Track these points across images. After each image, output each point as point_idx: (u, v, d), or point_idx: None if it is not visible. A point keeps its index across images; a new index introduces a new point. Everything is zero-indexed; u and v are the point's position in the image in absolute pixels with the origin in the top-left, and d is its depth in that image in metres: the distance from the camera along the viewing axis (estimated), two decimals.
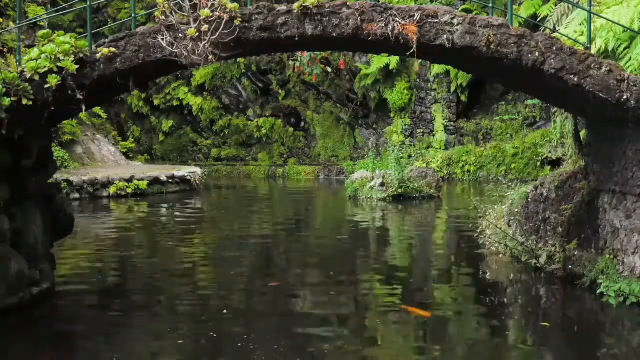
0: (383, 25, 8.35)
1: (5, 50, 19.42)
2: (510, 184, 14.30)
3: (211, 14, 8.10)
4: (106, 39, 8.64)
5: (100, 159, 28.85)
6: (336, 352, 7.64)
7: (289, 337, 8.20)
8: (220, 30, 8.11)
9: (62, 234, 10.69)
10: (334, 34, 8.38)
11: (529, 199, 12.13)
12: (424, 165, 28.01)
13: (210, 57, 8.16)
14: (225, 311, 9.28)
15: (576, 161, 12.62)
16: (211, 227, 18.13)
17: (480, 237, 13.27)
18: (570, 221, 10.68)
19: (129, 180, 24.48)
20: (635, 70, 9.68)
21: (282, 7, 8.38)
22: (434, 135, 31.68)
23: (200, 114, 36.79)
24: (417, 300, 9.90)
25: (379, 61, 30.89)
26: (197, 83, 36.40)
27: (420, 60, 27.64)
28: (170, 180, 25.90)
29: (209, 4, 8.14)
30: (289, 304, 9.86)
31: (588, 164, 10.63)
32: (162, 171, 26.54)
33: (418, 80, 31.80)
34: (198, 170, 28.00)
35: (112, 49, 8.38)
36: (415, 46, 8.37)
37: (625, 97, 8.43)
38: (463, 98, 31.57)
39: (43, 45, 8.37)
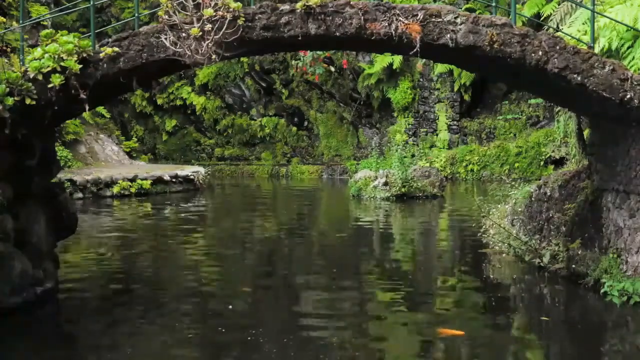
0: (386, 24, 8.35)
1: (9, 49, 19.46)
2: (513, 183, 14.29)
3: (214, 14, 8.10)
4: (109, 38, 8.65)
5: (103, 158, 28.89)
6: (342, 345, 7.69)
7: (295, 332, 8.24)
8: (223, 29, 8.11)
9: (66, 234, 10.70)
10: (337, 34, 8.39)
11: (533, 198, 12.11)
12: (427, 164, 27.98)
13: (214, 56, 8.17)
14: (230, 307, 9.31)
15: (579, 160, 12.62)
16: (215, 226, 18.14)
17: (483, 236, 13.26)
18: (574, 220, 10.67)
19: (133, 180, 24.52)
20: (639, 69, 9.67)
21: (285, 7, 8.38)
22: (437, 135, 31.66)
23: (203, 113, 36.82)
24: (419, 299, 9.92)
25: (382, 60, 30.89)
26: (200, 82, 36.43)
27: (423, 60, 27.63)
28: (174, 180, 25.92)
29: (212, 4, 8.14)
30: (293, 301, 9.88)
31: (591, 163, 10.61)
32: (166, 170, 26.58)
33: (421, 79, 31.79)
34: (201, 169, 28.03)
35: (116, 49, 8.39)
36: (418, 45, 8.37)
37: (628, 96, 8.42)
38: (466, 97, 31.55)
39: (46, 45, 8.38)
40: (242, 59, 34.12)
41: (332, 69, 31.82)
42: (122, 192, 24.01)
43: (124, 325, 8.66)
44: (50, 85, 8.16)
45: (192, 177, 26.62)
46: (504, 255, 12.34)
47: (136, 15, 9.54)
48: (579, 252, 10.21)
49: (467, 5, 28.62)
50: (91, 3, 9.08)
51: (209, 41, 8.11)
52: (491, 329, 8.59)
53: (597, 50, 9.83)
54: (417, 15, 8.39)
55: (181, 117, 37.69)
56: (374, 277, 11.55)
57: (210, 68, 34.94)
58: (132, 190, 24.28)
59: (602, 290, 9.20)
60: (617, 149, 9.50)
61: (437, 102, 31.67)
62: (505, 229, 12.65)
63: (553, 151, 27.76)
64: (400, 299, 10.06)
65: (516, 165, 28.79)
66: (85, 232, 15.67)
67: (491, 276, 11.39)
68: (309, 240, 15.85)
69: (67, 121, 23.11)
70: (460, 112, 31.62)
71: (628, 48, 10.20)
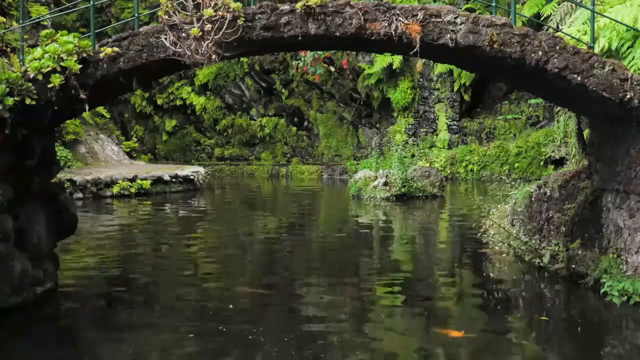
0: (386, 24, 8.35)
1: (9, 49, 19.45)
2: (513, 183, 14.29)
3: (214, 14, 8.10)
4: (109, 38, 8.65)
5: (103, 158, 28.89)
6: (342, 345, 7.70)
7: (296, 331, 8.26)
8: (223, 29, 8.11)
9: (66, 234, 10.70)
10: (337, 34, 8.39)
11: (533, 198, 12.11)
12: (427, 164, 28.01)
13: (214, 56, 8.17)
14: (231, 306, 9.32)
15: (579, 160, 12.61)
16: (215, 226, 18.14)
17: (483, 236, 13.26)
18: (574, 220, 10.67)
19: (132, 180, 24.52)
20: (639, 69, 9.67)
21: (285, 7, 8.38)
22: (437, 135, 31.66)
23: (203, 113, 36.82)
24: (419, 299, 9.93)
25: (382, 60, 30.89)
26: (200, 82, 36.44)
27: (423, 60, 27.63)
28: (174, 180, 25.93)
29: (212, 4, 8.14)
30: (293, 300, 9.88)
31: (591, 163, 10.61)
32: (166, 171, 26.58)
33: (421, 79, 31.79)
34: (201, 169, 28.03)
35: (115, 49, 8.39)
36: (418, 45, 8.37)
37: (628, 96, 8.42)
38: (466, 97, 31.55)
39: (46, 45, 8.38)
40: (242, 59, 34.12)
41: (332, 69, 31.82)
42: (122, 192, 24.01)
43: (125, 325, 8.65)
44: (50, 85, 8.16)
45: (192, 177, 26.62)
46: (504, 255, 12.34)
47: (136, 15, 9.53)
48: (579, 252, 10.21)
49: (467, 5, 28.63)
50: (91, 3, 9.08)
51: (209, 41, 8.11)
52: (491, 329, 8.59)
53: (597, 50, 9.84)
54: (417, 15, 8.39)
55: (181, 117, 37.70)
56: (373, 277, 11.54)
57: (210, 68, 34.94)
58: (132, 190, 24.29)
59: (602, 290, 9.20)
60: (617, 149, 9.50)
61: (437, 102, 31.69)
62: (505, 229, 12.66)
63: (553, 151, 27.76)
64: (400, 299, 10.06)
65: (516, 165, 28.79)
66: (85, 232, 15.67)
67: (491, 276, 11.40)
68: (309, 240, 15.85)
69: (67, 121, 23.09)
70: (460, 112, 31.63)
71: (628, 48, 10.20)
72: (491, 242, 12.99)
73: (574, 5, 16.69)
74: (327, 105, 35.09)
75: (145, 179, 24.90)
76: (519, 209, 12.64)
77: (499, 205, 14.34)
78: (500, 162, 29.23)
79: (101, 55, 8.39)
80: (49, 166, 9.86)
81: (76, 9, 26.29)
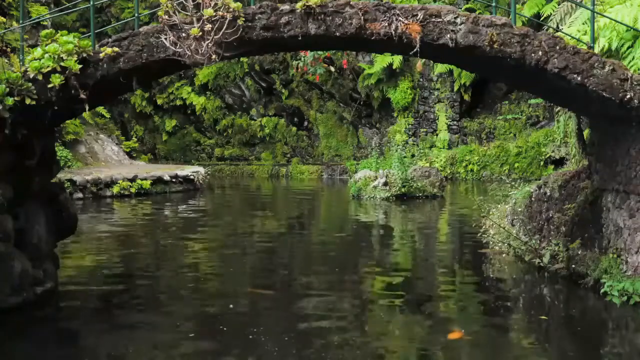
0: (386, 24, 8.35)
1: (9, 49, 19.45)
2: (513, 183, 14.29)
3: (214, 14, 8.10)
4: (109, 38, 8.65)
5: (103, 158, 28.89)
6: (343, 345, 7.70)
7: (296, 331, 8.26)
8: (223, 29, 8.11)
9: (66, 234, 10.70)
10: (337, 34, 8.39)
11: (533, 198, 12.11)
12: (427, 164, 28.01)
13: (214, 56, 8.17)
14: (231, 306, 9.32)
15: (579, 160, 12.62)
16: (215, 226, 18.13)
17: (483, 236, 13.26)
18: (574, 220, 10.67)
19: (132, 180, 24.53)
20: (639, 69, 9.67)
21: (285, 7, 8.38)
22: (437, 135, 31.67)
23: (203, 113, 36.83)
24: (419, 299, 9.92)
25: (382, 60, 30.90)
26: (200, 82, 36.45)
27: (423, 60, 27.64)
28: (174, 180, 25.93)
29: (212, 4, 8.14)
30: (293, 300, 9.88)
31: (591, 163, 10.62)
32: (166, 171, 26.59)
33: (421, 79, 31.80)
34: (201, 169, 28.04)
35: (115, 49, 8.39)
36: (418, 45, 8.37)
37: (628, 96, 8.42)
38: (466, 97, 31.56)
39: (46, 45, 8.38)
40: (242, 59, 34.13)
41: (332, 69, 31.83)
42: (122, 192, 24.01)
43: (124, 325, 8.65)
44: (50, 85, 8.16)
45: (192, 177, 26.63)
46: (504, 255, 12.34)
47: (136, 15, 9.53)
48: (579, 252, 10.21)
49: (467, 5, 28.64)
50: (91, 3, 9.07)
51: (209, 41, 8.11)
52: (491, 329, 8.59)
53: (597, 50, 9.84)
54: (417, 15, 8.39)
55: (181, 117, 37.72)
56: (374, 277, 11.55)
57: (210, 68, 34.95)
58: (132, 190, 24.29)
59: (602, 290, 9.20)
60: (617, 149, 9.50)
61: (437, 102, 31.70)
62: (505, 229, 12.66)
63: (553, 151, 27.78)
64: (400, 299, 10.05)
65: (516, 165, 28.79)
66: (85, 232, 15.67)
67: (491, 276, 11.39)
68: (309, 240, 15.85)
69: (67, 121, 23.09)
70: (460, 112, 31.64)
71: (628, 48, 10.21)
72: (491, 242, 12.99)
73: (574, 5, 16.70)
74: (327, 105, 35.10)
75: (145, 179, 24.91)
76: (519, 209, 12.65)
77: (499, 205, 14.34)
78: (500, 162, 29.24)
79: (101, 55, 8.38)
80: (49, 166, 9.86)
81: (76, 9, 26.30)
